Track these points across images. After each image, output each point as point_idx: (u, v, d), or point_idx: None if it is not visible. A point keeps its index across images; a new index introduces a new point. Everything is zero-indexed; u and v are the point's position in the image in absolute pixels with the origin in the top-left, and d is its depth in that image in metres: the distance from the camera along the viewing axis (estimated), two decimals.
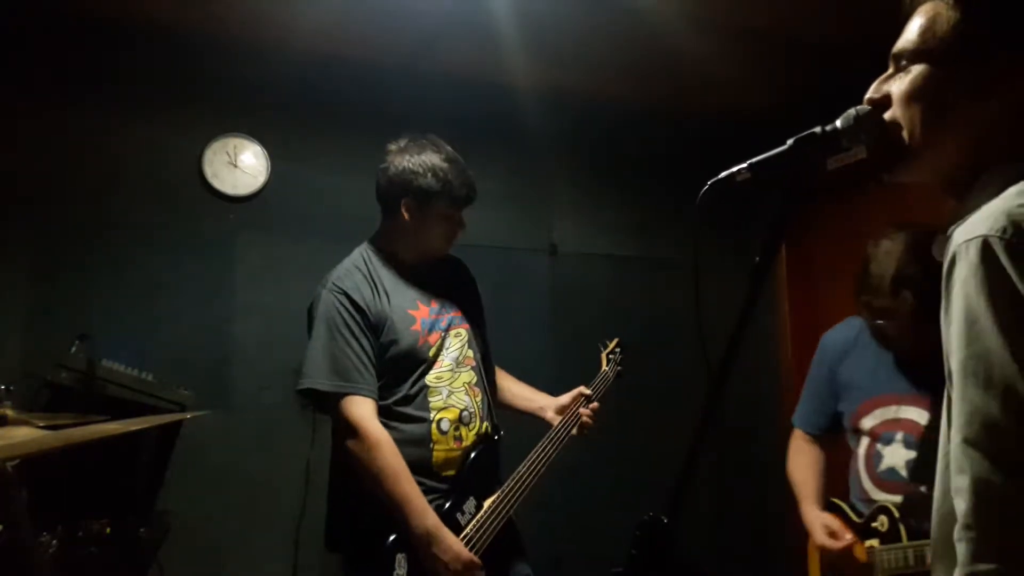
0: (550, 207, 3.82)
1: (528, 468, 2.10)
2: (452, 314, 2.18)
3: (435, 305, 2.15)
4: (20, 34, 2.97)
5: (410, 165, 2.10)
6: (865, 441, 2.08)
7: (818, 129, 1.03)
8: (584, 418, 2.25)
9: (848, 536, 2.02)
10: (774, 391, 3.99)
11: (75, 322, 2.77)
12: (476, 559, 1.95)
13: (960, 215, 0.93)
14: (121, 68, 3.11)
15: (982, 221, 0.85)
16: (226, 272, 3.23)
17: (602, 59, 3.44)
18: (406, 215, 2.10)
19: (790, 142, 1.05)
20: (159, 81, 3.16)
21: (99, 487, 2.38)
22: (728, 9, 3.01)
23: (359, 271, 2.11)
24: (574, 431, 2.22)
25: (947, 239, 0.94)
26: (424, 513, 1.93)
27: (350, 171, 3.47)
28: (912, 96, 0.97)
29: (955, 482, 0.84)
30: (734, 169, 1.09)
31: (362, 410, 1.97)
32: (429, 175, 2.09)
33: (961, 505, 0.83)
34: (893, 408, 2.03)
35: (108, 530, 2.31)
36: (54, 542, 2.11)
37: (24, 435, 1.58)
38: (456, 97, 3.58)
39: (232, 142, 3.26)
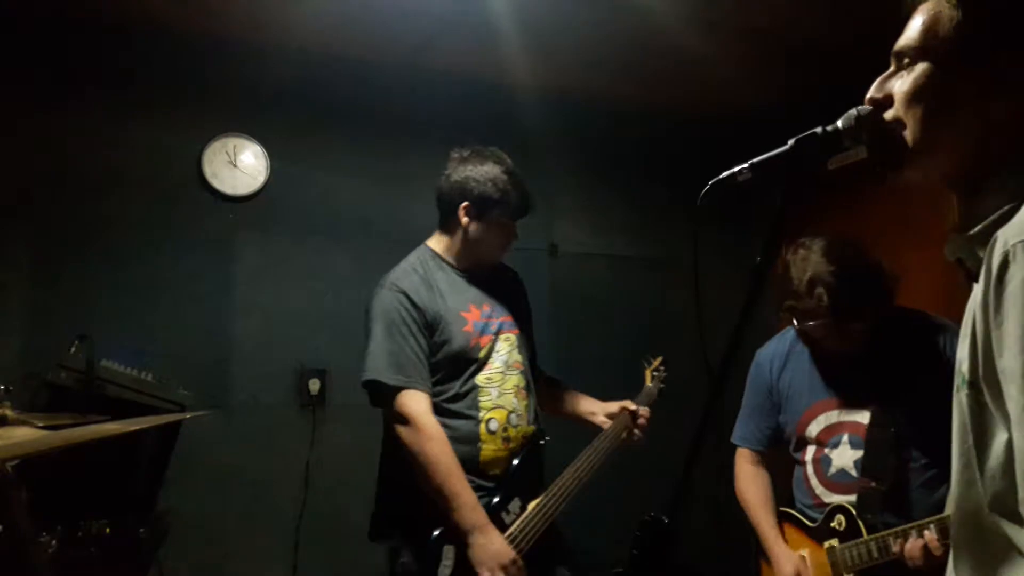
0: (550, 207, 3.82)
1: (573, 473, 2.15)
2: (503, 319, 2.25)
3: (487, 309, 2.22)
4: (20, 34, 2.97)
5: (471, 174, 2.19)
6: (812, 448, 2.12)
7: (819, 129, 1.03)
8: (634, 429, 2.30)
9: None
10: None
11: (75, 322, 2.77)
12: (519, 558, 1.99)
13: (978, 216, 0.92)
14: (121, 68, 3.11)
15: None
16: (226, 272, 3.23)
17: (602, 59, 3.44)
18: (464, 221, 2.19)
19: (791, 142, 1.05)
20: (159, 81, 3.16)
21: (99, 487, 2.38)
22: (728, 9, 3.01)
23: (416, 272, 2.19)
24: (623, 435, 2.27)
25: (964, 239, 0.93)
26: (474, 508, 1.99)
27: (350, 171, 3.47)
28: (914, 95, 0.97)
29: None
30: (735, 169, 1.09)
31: (419, 404, 2.04)
32: (489, 184, 2.18)
33: None
34: (835, 412, 2.08)
35: (108, 530, 2.31)
36: (54, 542, 2.11)
37: (24, 435, 1.58)
38: (456, 97, 3.59)
39: (232, 142, 3.26)
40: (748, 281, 1.07)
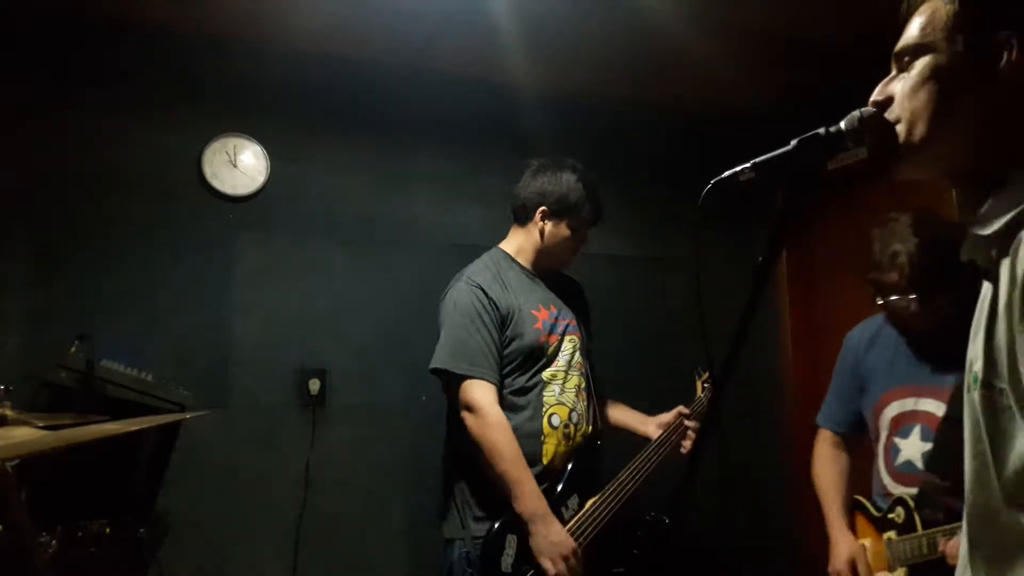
0: None
1: (629, 475, 2.21)
2: (568, 321, 2.36)
3: (554, 310, 2.33)
4: (20, 34, 2.96)
5: (551, 180, 2.34)
6: (884, 435, 2.09)
7: (822, 130, 1.03)
8: (689, 431, 2.34)
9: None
10: (774, 392, 3.99)
11: (75, 322, 2.77)
12: (578, 548, 2.06)
13: (993, 215, 0.92)
14: (121, 68, 3.11)
15: None
16: (226, 272, 3.23)
17: (602, 59, 3.44)
18: (540, 224, 2.33)
19: (794, 143, 1.05)
20: (159, 81, 3.16)
21: (99, 487, 2.38)
22: (728, 9, 3.00)
23: (489, 271, 2.30)
24: (681, 441, 2.32)
25: (982, 239, 0.93)
26: (536, 496, 2.06)
27: (350, 171, 3.47)
28: (916, 89, 0.97)
29: None
30: (737, 169, 1.09)
31: (486, 393, 2.13)
32: (568, 192, 2.33)
33: None
34: (911, 400, 2.04)
35: (108, 530, 2.30)
36: (54, 542, 2.11)
37: (24, 435, 1.58)
38: (456, 97, 3.59)
39: (232, 142, 3.26)
40: (750, 281, 1.07)
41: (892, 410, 2.07)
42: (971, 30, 0.94)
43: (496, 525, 2.06)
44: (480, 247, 2.53)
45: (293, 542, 3.15)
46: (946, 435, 1.94)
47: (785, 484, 3.88)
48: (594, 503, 2.16)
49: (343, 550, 3.19)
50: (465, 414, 2.13)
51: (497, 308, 2.21)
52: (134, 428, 1.78)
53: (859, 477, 2.24)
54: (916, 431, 2.01)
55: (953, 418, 1.93)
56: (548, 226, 2.34)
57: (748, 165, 1.08)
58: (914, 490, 1.98)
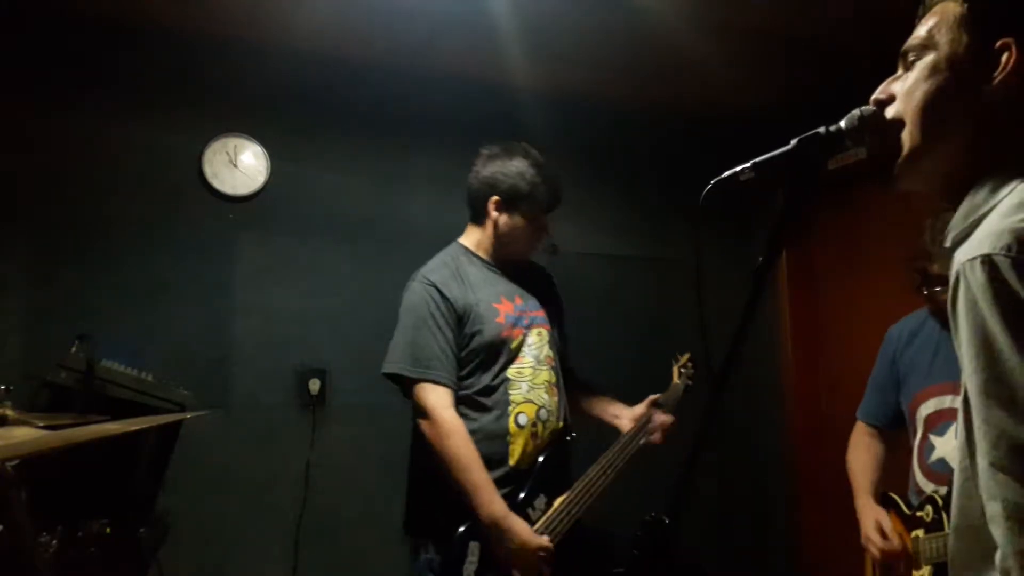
0: None
1: (599, 471, 2.15)
2: (535, 313, 2.26)
3: (519, 302, 2.23)
4: (20, 34, 2.96)
5: (500, 169, 2.21)
6: (920, 431, 2.07)
7: (822, 129, 1.03)
8: (659, 426, 2.28)
9: (896, 542, 2.02)
10: (774, 392, 3.99)
11: (75, 322, 2.77)
12: (545, 541, 1.99)
13: (956, 224, 0.93)
14: (121, 68, 3.11)
15: (985, 239, 0.83)
16: (226, 272, 3.23)
17: (602, 59, 3.44)
18: (493, 215, 2.21)
19: (794, 142, 1.05)
20: (159, 81, 3.16)
21: (99, 487, 2.38)
22: (728, 9, 3.00)
23: (447, 266, 2.20)
24: (650, 438, 2.26)
25: (948, 251, 0.93)
26: (492, 500, 1.98)
27: (350, 171, 3.47)
28: (915, 85, 0.97)
29: (988, 510, 0.81)
30: (738, 168, 1.09)
31: (438, 398, 2.05)
32: (518, 179, 2.20)
33: (997, 534, 0.80)
34: (949, 397, 2.02)
35: (108, 530, 2.30)
36: (54, 542, 2.11)
37: (24, 435, 1.58)
38: (456, 97, 3.59)
39: (232, 142, 3.26)
40: (750, 281, 1.07)
41: (929, 407, 2.05)
42: (975, 32, 0.94)
43: (459, 532, 1.99)
44: None
45: (293, 542, 3.15)
46: None
47: (785, 484, 3.88)
48: (563, 502, 2.10)
49: (343, 550, 3.19)
50: (421, 420, 2.05)
51: (453, 307, 2.11)
52: (134, 428, 1.78)
53: (900, 475, 2.22)
54: (952, 429, 1.99)
55: None
56: (502, 217, 2.21)
57: (748, 165, 1.08)
58: (944, 489, 1.96)
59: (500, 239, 2.23)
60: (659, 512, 1.12)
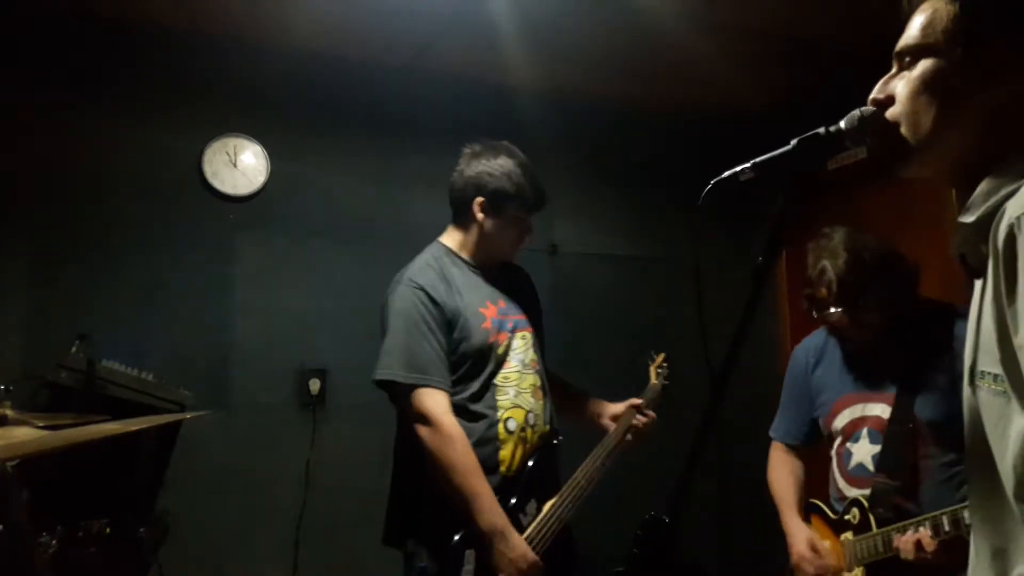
0: (550, 207, 3.78)
1: (584, 474, 2.13)
2: (517, 316, 2.21)
3: (503, 305, 2.19)
4: (21, 34, 2.96)
5: (485, 168, 2.15)
6: (837, 441, 2.13)
7: (822, 130, 1.03)
8: (640, 425, 2.27)
9: (828, 559, 2.07)
10: (774, 392, 3.98)
11: (75, 322, 2.77)
12: (539, 561, 1.97)
13: (983, 199, 0.91)
14: (121, 68, 3.11)
15: None
16: (226, 272, 3.23)
17: (602, 59, 3.44)
18: (479, 216, 2.16)
19: (794, 142, 1.05)
20: (159, 81, 3.16)
21: (99, 487, 2.38)
22: (728, 9, 3.00)
23: (432, 269, 2.14)
24: (628, 437, 2.24)
25: (969, 228, 0.92)
26: (494, 510, 1.95)
27: (350, 171, 3.47)
28: (918, 90, 0.97)
29: None
30: (737, 169, 1.09)
31: (438, 403, 2.00)
32: (504, 179, 2.14)
33: None
34: (859, 407, 2.08)
35: (108, 530, 2.30)
36: (54, 542, 2.11)
37: (24, 435, 1.58)
38: (456, 97, 3.59)
39: (232, 142, 3.26)
40: (750, 281, 1.07)
41: (843, 418, 2.11)
42: (972, 32, 0.94)
43: (456, 539, 1.96)
44: None
45: (293, 542, 3.15)
46: (893, 436, 1.98)
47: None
48: (552, 506, 2.08)
49: (343, 550, 3.19)
50: (418, 427, 1.99)
51: (443, 310, 2.06)
52: (134, 428, 1.77)
53: (819, 485, 2.26)
54: (865, 434, 2.05)
55: (898, 420, 1.97)
56: (488, 218, 2.15)
57: (748, 165, 1.08)
58: (867, 491, 2.01)
59: (484, 241, 2.18)
60: (659, 512, 1.12)
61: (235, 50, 3.24)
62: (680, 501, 1.12)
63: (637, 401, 2.31)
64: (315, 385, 3.26)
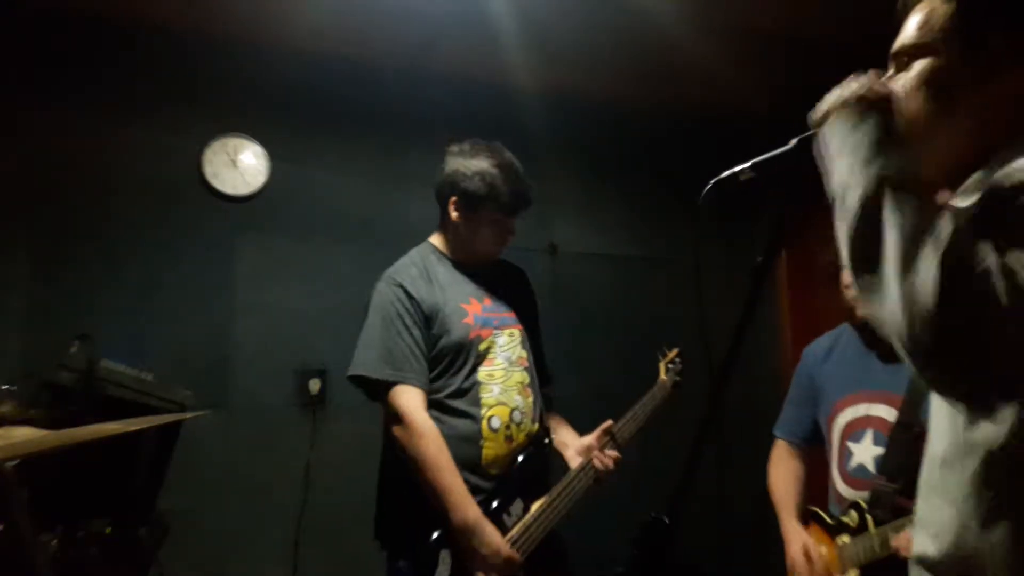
0: (550, 207, 3.82)
1: (578, 475, 2.10)
2: (505, 314, 2.19)
3: (488, 303, 2.16)
4: (20, 33, 2.97)
5: (460, 168, 2.14)
6: (837, 441, 2.12)
7: None
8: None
9: (820, 567, 2.06)
10: (774, 392, 3.98)
11: (75, 322, 2.77)
12: (516, 555, 1.93)
13: (970, 188, 0.92)
14: (121, 68, 3.11)
15: None
16: (226, 272, 3.23)
17: (602, 59, 3.44)
18: (454, 215, 2.15)
19: (793, 142, 1.05)
20: (159, 81, 3.16)
21: (99, 487, 2.38)
22: (728, 9, 3.01)
23: (415, 266, 2.14)
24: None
25: (963, 212, 0.92)
26: (465, 505, 1.92)
27: (350, 171, 3.47)
28: (915, 90, 0.98)
29: None
30: (737, 168, 1.09)
31: (410, 399, 1.98)
32: (476, 179, 2.11)
33: None
34: (864, 406, 2.07)
35: (108, 530, 2.30)
36: (54, 542, 2.11)
37: (24, 435, 1.58)
38: (456, 97, 3.59)
39: (232, 142, 3.26)
40: (750, 281, 1.07)
41: (846, 416, 2.10)
42: (968, 31, 0.95)
43: (431, 539, 1.93)
44: None
45: (293, 542, 3.15)
46: (898, 439, 1.96)
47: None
48: (540, 507, 2.03)
49: (343, 550, 3.19)
50: (392, 423, 1.98)
51: (420, 306, 2.05)
52: (134, 428, 1.77)
53: (820, 491, 2.25)
54: (868, 436, 2.03)
55: (904, 423, 1.96)
56: (462, 217, 2.13)
57: (748, 165, 1.09)
58: (866, 493, 2.00)
59: (461, 240, 2.17)
60: (659, 512, 1.12)
61: (235, 50, 3.24)
62: (680, 501, 1.12)
63: (609, 424, 2.19)
64: (315, 385, 3.26)
